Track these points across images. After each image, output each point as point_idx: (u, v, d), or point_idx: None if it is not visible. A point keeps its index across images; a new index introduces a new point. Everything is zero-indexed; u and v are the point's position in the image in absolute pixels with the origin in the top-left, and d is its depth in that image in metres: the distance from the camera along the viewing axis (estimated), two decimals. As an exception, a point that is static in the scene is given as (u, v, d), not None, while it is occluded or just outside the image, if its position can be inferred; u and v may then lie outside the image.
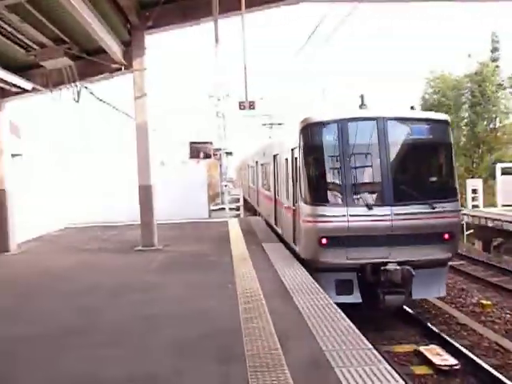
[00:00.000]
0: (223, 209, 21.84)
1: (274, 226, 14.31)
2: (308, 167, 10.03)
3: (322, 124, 9.99)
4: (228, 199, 23.55)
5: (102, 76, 11.99)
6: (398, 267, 9.58)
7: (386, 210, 9.60)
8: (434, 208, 9.94)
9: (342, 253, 9.50)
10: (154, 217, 12.08)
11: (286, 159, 11.85)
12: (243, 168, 35.15)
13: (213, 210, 21.06)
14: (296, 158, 10.56)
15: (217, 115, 33.07)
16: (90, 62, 11.48)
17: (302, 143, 10.05)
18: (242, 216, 21.54)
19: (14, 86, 12.16)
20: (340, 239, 9.46)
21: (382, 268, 9.53)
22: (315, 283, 8.03)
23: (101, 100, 11.77)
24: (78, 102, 11.68)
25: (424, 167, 10.77)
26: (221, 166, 30.48)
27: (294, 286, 7.81)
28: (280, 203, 13.13)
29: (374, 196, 9.88)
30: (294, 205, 10.95)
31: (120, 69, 11.73)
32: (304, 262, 9.81)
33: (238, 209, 22.13)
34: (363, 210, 9.57)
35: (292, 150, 11.02)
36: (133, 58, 11.64)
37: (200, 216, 18.56)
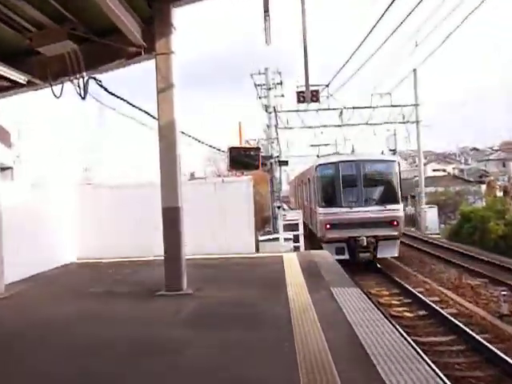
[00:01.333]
0: (276, 239, 21.34)
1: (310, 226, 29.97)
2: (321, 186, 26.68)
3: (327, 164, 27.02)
4: (282, 225, 22.89)
5: (116, 63, 11.95)
6: (365, 238, 24.76)
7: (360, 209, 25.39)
8: (385, 207, 25.33)
9: (338, 232, 24.95)
10: (183, 250, 11.87)
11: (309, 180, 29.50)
12: (298, 183, 41.19)
13: (261, 241, 20.65)
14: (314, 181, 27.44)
15: (266, 110, 32.22)
16: (101, 46, 11.46)
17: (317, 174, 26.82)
18: (302, 249, 21.30)
19: (4, 78, 12.26)
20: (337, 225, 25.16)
21: (357, 239, 24.82)
22: (408, 347, 7.61)
23: (113, 95, 11.70)
24: (84, 98, 11.66)
25: (381, 185, 26.14)
26: (272, 180, 29.99)
27: (378, 351, 7.35)
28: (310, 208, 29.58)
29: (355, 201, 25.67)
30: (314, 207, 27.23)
31: (139, 53, 11.64)
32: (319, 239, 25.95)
33: (296, 239, 21.71)
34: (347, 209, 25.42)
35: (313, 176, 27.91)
36: (156, 38, 11.54)
37: (244, 249, 18.28)
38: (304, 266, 15.27)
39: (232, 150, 20.96)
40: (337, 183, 25.81)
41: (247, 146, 25.26)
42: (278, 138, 32.52)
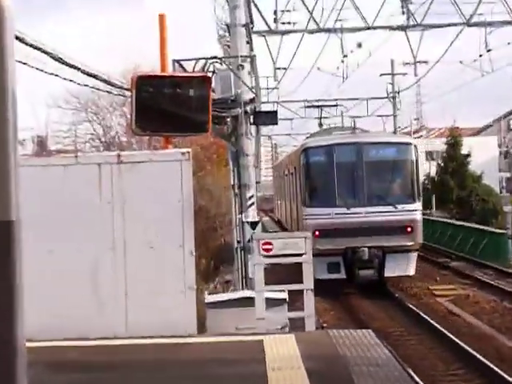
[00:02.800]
0: (247, 302, 10.32)
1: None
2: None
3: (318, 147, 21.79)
4: (261, 263, 9.71)
5: None
6: (367, 250, 19.52)
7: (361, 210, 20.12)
8: (396, 208, 19.91)
9: (331, 241, 19.81)
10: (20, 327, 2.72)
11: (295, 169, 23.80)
12: (281, 174, 31.61)
13: (211, 307, 10.49)
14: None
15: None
16: None
17: (303, 161, 21.51)
18: (312, 325, 9.60)
19: None
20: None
21: (357, 251, 19.64)
22: None
23: None
24: None
25: (390, 178, 21.16)
26: (237, 160, 17.37)
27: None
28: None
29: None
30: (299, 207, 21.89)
31: None
32: None
33: (285, 300, 10.36)
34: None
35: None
36: None
37: (169, 326, 8.46)
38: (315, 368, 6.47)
39: (141, 81, 9.49)
40: (330, 174, 20.62)
41: (179, 74, 13.06)
42: (253, 59, 17.21)
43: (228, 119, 17.87)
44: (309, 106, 36.45)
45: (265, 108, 25.60)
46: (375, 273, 20.07)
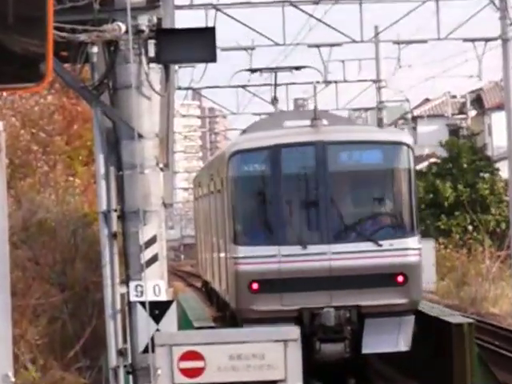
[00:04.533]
0: None
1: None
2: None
3: (253, 150, 14.67)
4: None
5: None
6: (332, 311, 13.73)
7: (324, 248, 14.29)
8: (380, 245, 13.98)
9: (276, 299, 14.23)
10: None
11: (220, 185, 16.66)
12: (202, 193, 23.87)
13: None
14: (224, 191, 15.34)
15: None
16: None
17: (232, 173, 14.95)
18: None
19: None
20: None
21: (318, 314, 13.89)
22: None
23: None
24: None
25: (370, 198, 14.95)
26: (112, 149, 8.99)
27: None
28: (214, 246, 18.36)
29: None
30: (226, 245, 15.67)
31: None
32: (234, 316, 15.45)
33: None
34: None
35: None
36: None
37: None
38: None
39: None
40: (275, 193, 15.02)
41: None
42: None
43: (94, 50, 8.36)
44: (254, 70, 23.99)
45: (185, 22, 14.60)
46: (346, 348, 14.61)
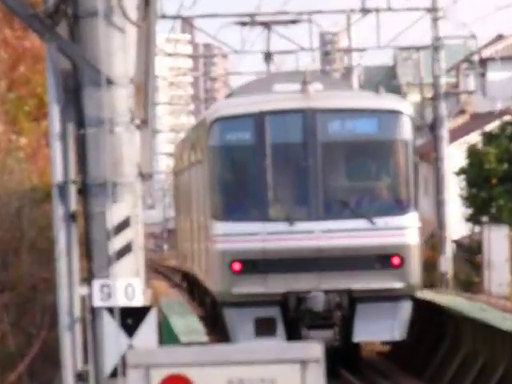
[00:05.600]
0: None
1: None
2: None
3: (236, 118, 13.90)
4: None
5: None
6: (322, 295, 13.01)
7: (313, 226, 13.46)
8: (374, 223, 13.34)
9: (260, 280, 13.67)
10: None
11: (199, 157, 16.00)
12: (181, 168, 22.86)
13: None
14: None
15: None
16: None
17: (212, 143, 14.30)
18: None
19: None
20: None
21: (305, 297, 13.28)
22: None
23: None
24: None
25: (363, 171, 14.54)
26: (73, 98, 6.71)
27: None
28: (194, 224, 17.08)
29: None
30: (206, 221, 14.78)
31: None
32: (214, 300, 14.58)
33: None
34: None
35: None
36: None
37: None
38: None
39: None
40: (259, 164, 14.48)
41: None
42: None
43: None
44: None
45: None
46: (336, 335, 14.13)
